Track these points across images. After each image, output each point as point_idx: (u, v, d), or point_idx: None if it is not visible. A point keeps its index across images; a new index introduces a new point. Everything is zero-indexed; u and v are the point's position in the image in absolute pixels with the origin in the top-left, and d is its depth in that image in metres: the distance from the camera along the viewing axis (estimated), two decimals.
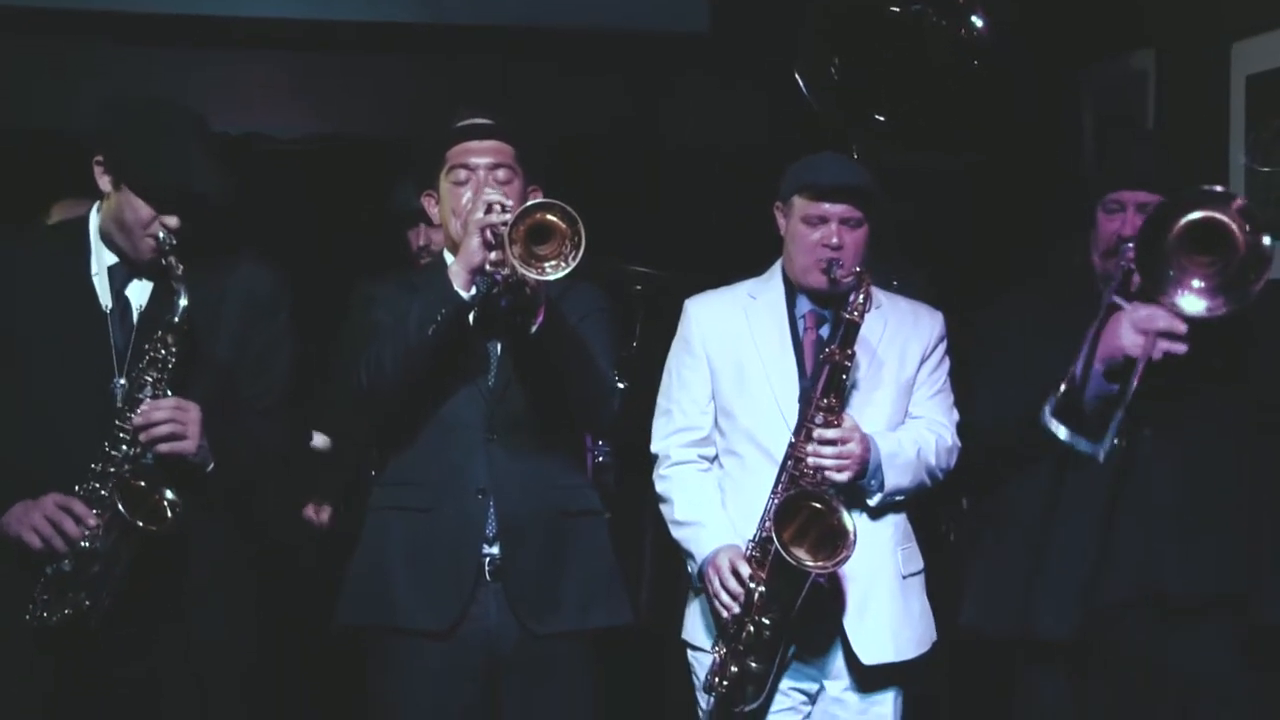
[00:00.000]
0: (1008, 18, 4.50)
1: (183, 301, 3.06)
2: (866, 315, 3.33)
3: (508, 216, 3.08)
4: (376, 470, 3.61)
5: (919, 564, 3.46)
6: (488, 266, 3.14)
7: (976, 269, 4.90)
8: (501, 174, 3.32)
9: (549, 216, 3.04)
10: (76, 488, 3.06)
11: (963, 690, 4.26)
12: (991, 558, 3.49)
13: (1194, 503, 3.28)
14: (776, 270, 3.53)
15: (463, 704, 3.25)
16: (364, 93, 5.78)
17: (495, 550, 3.26)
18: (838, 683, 3.38)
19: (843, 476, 3.27)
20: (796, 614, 3.25)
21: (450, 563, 3.25)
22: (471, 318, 3.21)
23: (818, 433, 3.27)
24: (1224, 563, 3.26)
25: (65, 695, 3.09)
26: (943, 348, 3.52)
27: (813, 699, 3.40)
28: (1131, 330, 3.16)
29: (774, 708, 3.35)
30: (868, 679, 3.37)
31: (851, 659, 3.35)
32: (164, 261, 3.08)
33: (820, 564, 3.20)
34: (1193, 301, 3.12)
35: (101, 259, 3.19)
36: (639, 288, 4.71)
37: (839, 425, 3.28)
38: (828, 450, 3.26)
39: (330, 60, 5.79)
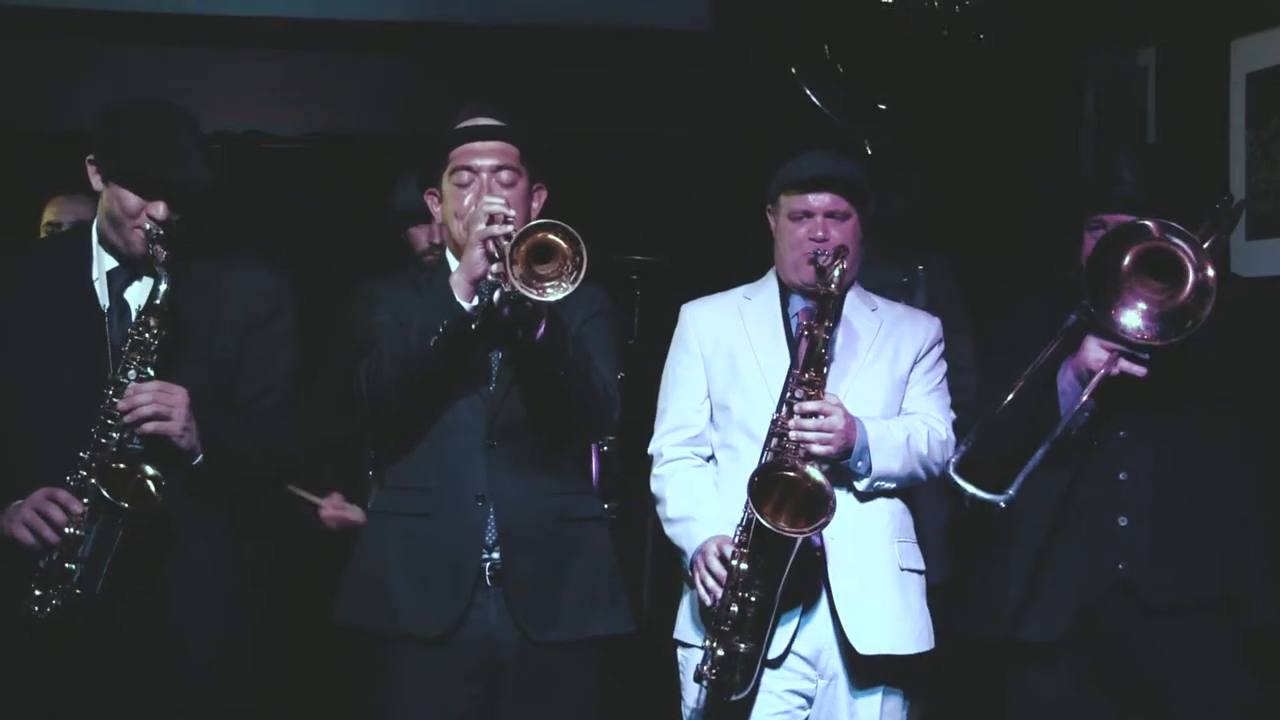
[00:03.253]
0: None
1: (163, 285, 3.09)
2: (863, 314, 3.40)
3: (510, 228, 3.08)
4: (374, 470, 3.59)
5: (919, 563, 3.45)
6: (490, 276, 3.14)
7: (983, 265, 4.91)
8: (505, 176, 3.31)
9: (550, 236, 3.03)
10: (67, 479, 3.07)
11: (971, 697, 4.27)
12: (980, 564, 3.53)
13: (1168, 505, 3.30)
14: (770, 274, 3.56)
15: (461, 709, 3.24)
16: (364, 90, 5.78)
17: (496, 556, 3.25)
18: (835, 681, 3.36)
19: (823, 449, 3.25)
20: (783, 589, 3.24)
21: (449, 569, 3.24)
22: (473, 325, 3.20)
23: (798, 405, 3.27)
24: (1200, 565, 3.28)
25: (60, 691, 3.09)
26: (938, 351, 3.52)
27: (810, 701, 3.38)
28: (1097, 346, 3.21)
29: (771, 710, 3.33)
30: (865, 673, 3.35)
31: (848, 652, 3.33)
32: (149, 250, 3.10)
33: (801, 529, 3.18)
34: (1132, 319, 3.15)
35: (102, 263, 3.23)
36: (635, 277, 4.71)
37: (820, 398, 3.27)
38: (809, 423, 3.25)
39: (330, 58, 5.78)
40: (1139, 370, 3.18)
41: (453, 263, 3.31)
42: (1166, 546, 3.27)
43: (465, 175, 3.31)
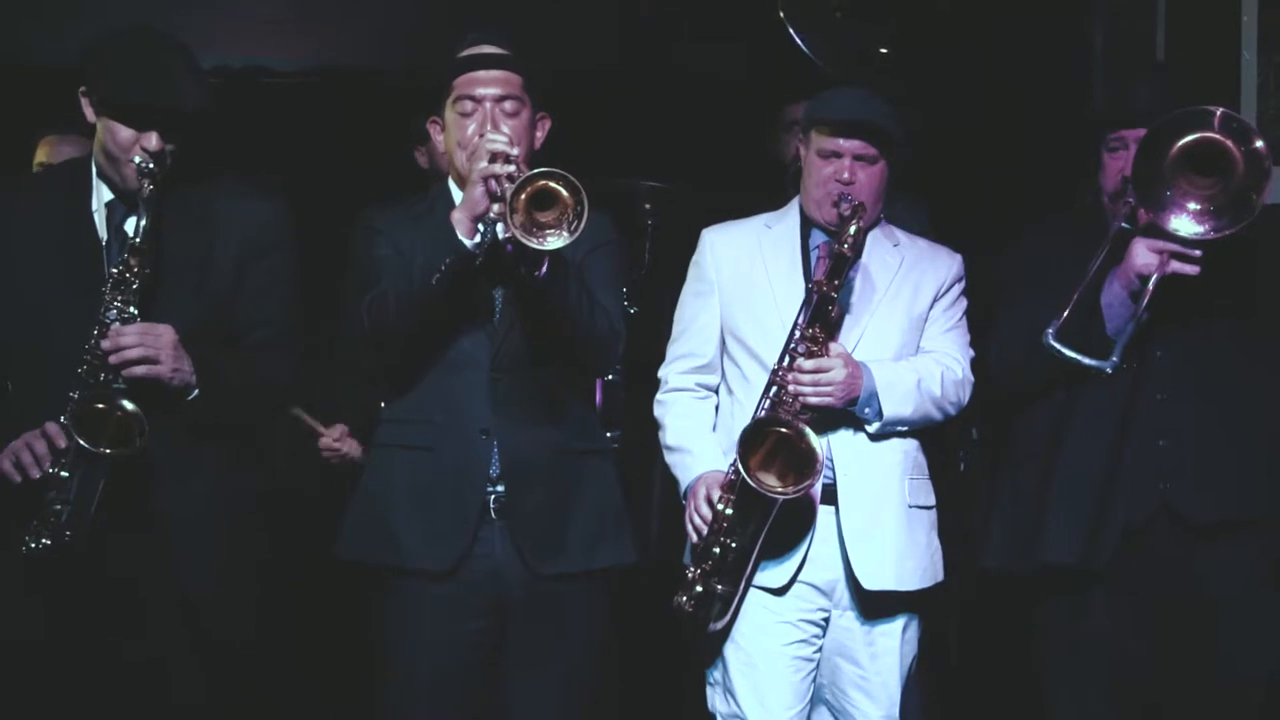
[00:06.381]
0: None
1: (144, 222, 3.06)
2: (883, 251, 3.42)
3: (512, 168, 3.07)
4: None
5: (930, 500, 3.46)
6: (491, 214, 3.11)
7: (979, 207, 4.87)
8: (509, 105, 3.27)
9: (552, 184, 3.02)
10: (61, 418, 3.05)
11: (977, 627, 4.28)
12: (1011, 495, 3.50)
13: (1208, 424, 3.28)
14: (794, 203, 3.55)
15: (468, 642, 3.25)
16: (366, 23, 5.71)
17: (500, 489, 3.25)
18: (846, 612, 3.40)
19: (818, 401, 3.29)
20: (765, 539, 3.29)
21: (453, 503, 3.24)
22: (476, 262, 3.17)
23: (798, 361, 3.30)
24: (1241, 484, 3.28)
25: (55, 629, 3.10)
26: (959, 287, 3.53)
27: (824, 630, 3.41)
28: (1145, 250, 3.18)
29: (786, 639, 3.37)
30: (873, 606, 3.39)
31: (856, 586, 3.36)
32: (140, 184, 3.07)
33: (786, 488, 3.23)
34: (1188, 224, 3.13)
35: (101, 195, 3.22)
36: (649, 206, 4.69)
37: (824, 355, 3.30)
38: (806, 378, 3.29)
39: None
40: (1191, 269, 3.15)
41: (454, 192, 3.28)
42: (1206, 465, 3.27)
43: (468, 104, 3.28)
